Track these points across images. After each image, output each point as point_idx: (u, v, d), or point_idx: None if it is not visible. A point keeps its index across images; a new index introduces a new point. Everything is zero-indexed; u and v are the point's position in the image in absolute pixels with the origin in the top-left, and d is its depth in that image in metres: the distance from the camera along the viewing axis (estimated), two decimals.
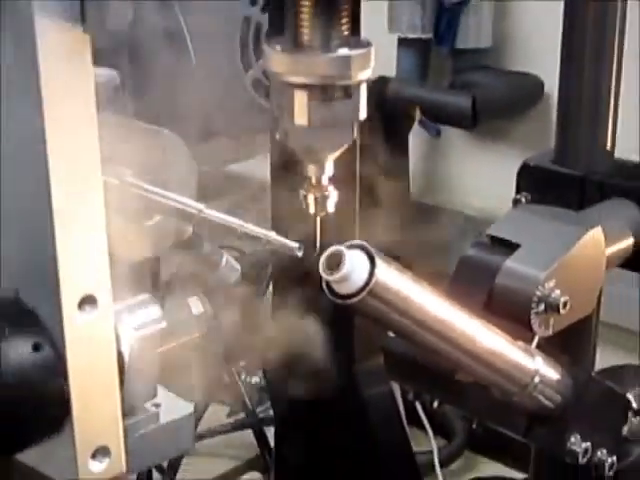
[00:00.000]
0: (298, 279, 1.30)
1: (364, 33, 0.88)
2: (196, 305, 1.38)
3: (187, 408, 0.87)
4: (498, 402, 1.04)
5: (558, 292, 1.05)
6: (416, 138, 2.90)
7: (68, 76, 0.69)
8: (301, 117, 0.84)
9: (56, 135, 0.69)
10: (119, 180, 0.90)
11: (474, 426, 1.17)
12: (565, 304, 1.05)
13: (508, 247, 1.09)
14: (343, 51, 0.82)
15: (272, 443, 1.60)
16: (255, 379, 2.50)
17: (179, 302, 1.37)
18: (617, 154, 1.33)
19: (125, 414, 0.79)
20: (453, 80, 2.81)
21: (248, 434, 2.13)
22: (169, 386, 0.89)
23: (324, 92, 0.83)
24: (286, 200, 1.20)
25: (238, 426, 2.20)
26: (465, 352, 0.94)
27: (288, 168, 1.14)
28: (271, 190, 1.32)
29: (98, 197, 0.73)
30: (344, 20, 0.83)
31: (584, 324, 1.21)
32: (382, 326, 0.91)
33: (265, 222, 1.19)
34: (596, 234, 1.12)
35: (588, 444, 1.06)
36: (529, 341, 1.03)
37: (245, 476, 2.55)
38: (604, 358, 1.34)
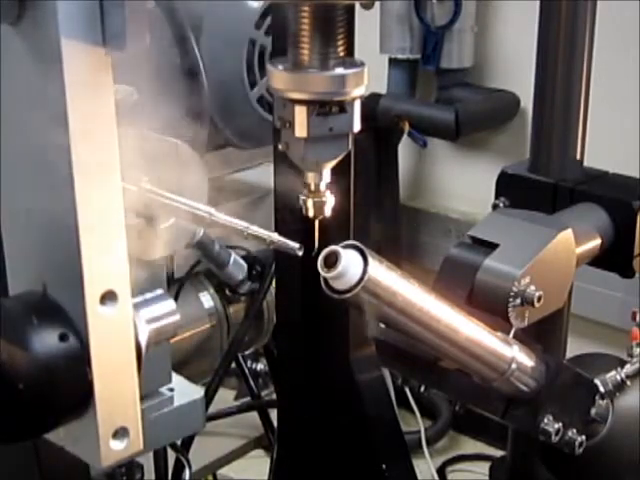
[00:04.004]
0: (299, 277, 1.30)
1: (358, 54, 0.87)
2: (207, 300, 1.38)
3: (198, 392, 0.86)
4: (479, 387, 1.04)
5: (533, 287, 1.05)
6: (405, 148, 2.90)
7: (91, 93, 0.69)
8: (301, 130, 0.83)
9: (80, 145, 0.69)
10: (137, 186, 0.89)
11: (457, 408, 1.16)
12: (539, 298, 1.04)
13: (488, 247, 1.09)
14: (339, 70, 0.82)
15: (275, 423, 1.60)
16: (260, 366, 2.50)
17: (192, 297, 1.37)
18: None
19: (142, 398, 0.79)
20: (438, 96, 2.81)
21: (254, 415, 2.12)
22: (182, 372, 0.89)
23: (322, 107, 0.83)
24: (288, 204, 1.20)
25: (245, 408, 2.19)
26: (449, 341, 0.94)
27: (289, 175, 1.14)
28: (274, 195, 1.32)
29: (118, 202, 0.73)
30: (340, 42, 0.82)
31: (556, 316, 1.21)
32: (374, 318, 0.91)
33: (268, 224, 1.18)
34: (567, 235, 1.12)
35: (560, 424, 1.06)
36: (507, 332, 1.03)
37: (251, 453, 2.55)
38: (576, 347, 1.34)
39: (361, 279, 0.82)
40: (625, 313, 1.33)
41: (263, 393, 2.21)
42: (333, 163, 0.88)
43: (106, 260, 0.72)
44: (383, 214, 2.87)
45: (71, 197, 0.70)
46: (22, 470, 1.13)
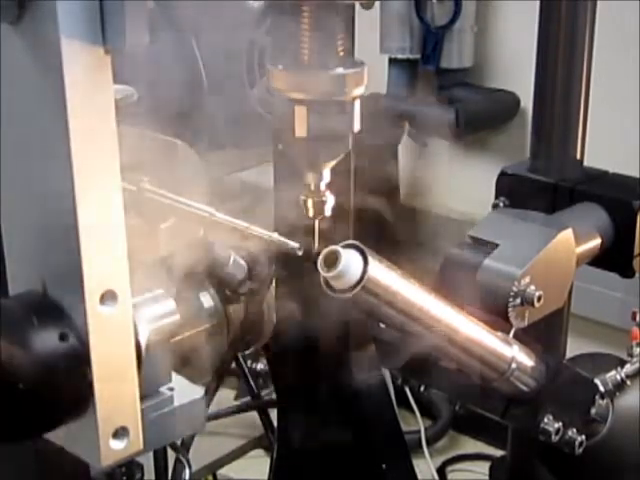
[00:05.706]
0: (299, 276, 1.30)
1: (358, 54, 0.88)
2: (207, 299, 1.38)
3: (198, 392, 0.86)
4: (479, 387, 1.04)
5: (533, 287, 1.05)
6: (405, 148, 2.90)
7: (90, 93, 0.69)
8: (301, 130, 0.83)
9: (80, 145, 0.69)
10: (137, 186, 0.90)
11: (457, 408, 1.16)
12: (539, 298, 1.04)
13: (488, 247, 1.09)
14: (339, 70, 0.82)
15: (275, 423, 1.60)
16: (260, 365, 2.50)
17: (191, 297, 1.37)
18: None
19: (143, 397, 0.79)
20: (438, 96, 2.81)
21: (253, 415, 2.12)
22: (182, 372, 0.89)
23: (322, 107, 0.83)
24: (288, 204, 1.20)
25: (244, 408, 2.20)
26: (449, 341, 0.94)
27: (289, 175, 1.13)
28: (274, 195, 1.32)
29: (118, 202, 0.73)
30: (340, 42, 0.83)
31: (556, 316, 1.21)
32: (374, 317, 0.91)
33: (268, 224, 1.18)
34: (567, 235, 1.12)
35: (560, 424, 1.06)
36: (507, 331, 1.03)
37: (251, 453, 2.55)
38: (576, 347, 1.34)
39: (361, 279, 0.82)
40: (625, 313, 1.33)
41: (263, 393, 2.21)
42: (333, 163, 0.88)
43: (106, 260, 0.72)
44: (383, 214, 2.86)
45: (71, 197, 0.69)
46: (22, 470, 1.13)
